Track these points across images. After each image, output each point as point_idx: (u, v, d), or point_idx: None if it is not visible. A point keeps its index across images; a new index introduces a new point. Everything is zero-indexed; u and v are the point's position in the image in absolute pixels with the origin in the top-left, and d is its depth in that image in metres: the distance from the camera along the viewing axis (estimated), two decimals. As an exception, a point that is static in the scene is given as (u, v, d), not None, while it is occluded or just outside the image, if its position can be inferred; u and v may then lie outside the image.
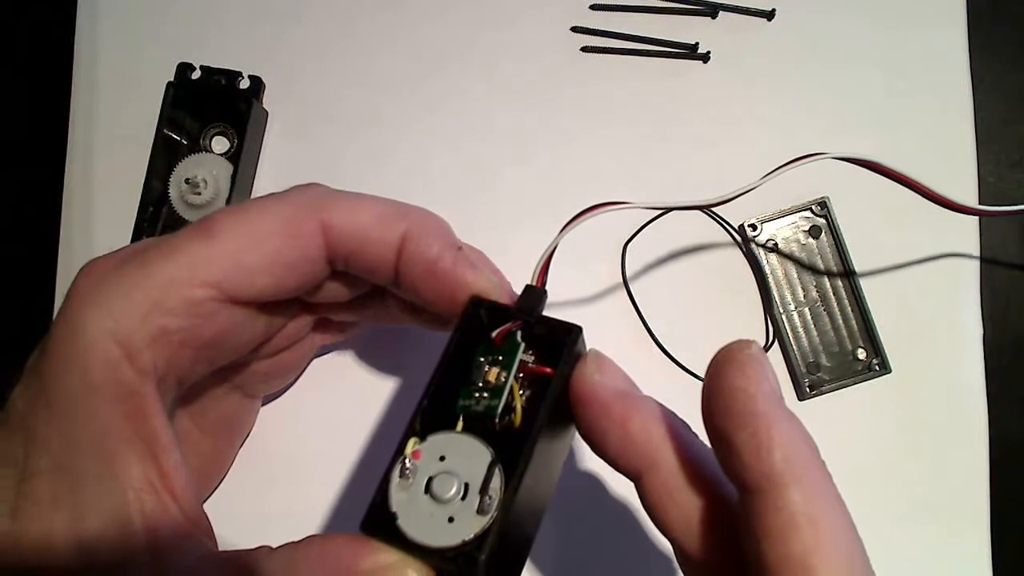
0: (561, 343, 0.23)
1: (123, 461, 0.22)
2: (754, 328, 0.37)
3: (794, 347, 0.36)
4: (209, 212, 0.32)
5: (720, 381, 0.20)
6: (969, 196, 0.38)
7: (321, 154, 0.39)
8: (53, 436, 0.22)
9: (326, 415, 0.36)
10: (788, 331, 0.36)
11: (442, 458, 0.22)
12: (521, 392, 0.23)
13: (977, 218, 0.37)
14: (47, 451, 0.22)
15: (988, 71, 0.39)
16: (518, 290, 0.25)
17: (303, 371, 0.35)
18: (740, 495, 0.20)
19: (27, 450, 0.22)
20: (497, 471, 0.21)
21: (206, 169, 0.36)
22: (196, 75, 0.37)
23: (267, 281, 0.25)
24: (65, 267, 0.38)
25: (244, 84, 0.37)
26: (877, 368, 0.36)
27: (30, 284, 0.38)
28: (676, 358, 0.36)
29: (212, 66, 0.37)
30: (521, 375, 0.23)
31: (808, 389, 0.36)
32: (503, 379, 0.23)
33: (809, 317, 0.37)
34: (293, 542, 0.22)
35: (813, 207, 0.37)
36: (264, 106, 0.39)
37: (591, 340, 0.24)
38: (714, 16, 0.39)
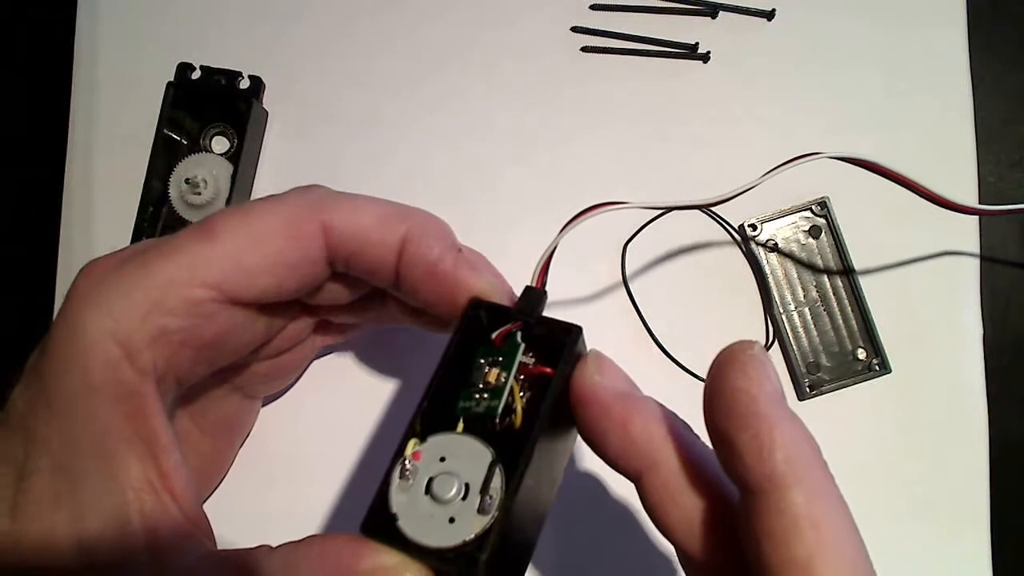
0: (561, 344, 0.23)
1: (123, 461, 0.22)
2: (754, 328, 0.37)
3: (794, 347, 0.36)
4: (209, 212, 0.32)
5: (722, 382, 0.20)
6: (969, 196, 0.38)
7: (321, 154, 0.39)
8: (53, 436, 0.22)
9: (326, 416, 0.36)
10: (788, 331, 0.36)
11: (442, 459, 0.22)
12: (521, 393, 0.23)
13: (977, 218, 0.37)
14: (47, 451, 0.22)
15: (988, 71, 0.39)
16: (518, 291, 0.25)
17: (303, 372, 0.35)
18: (742, 496, 0.20)
19: (27, 450, 0.22)
20: (498, 471, 0.21)
21: (206, 169, 0.36)
22: (196, 75, 0.37)
23: (268, 282, 0.25)
24: (65, 267, 0.38)
25: (244, 84, 0.37)
26: (877, 368, 0.36)
27: (30, 284, 0.38)
28: (676, 358, 0.36)
29: (212, 66, 0.37)
30: (521, 376, 0.23)
31: (808, 389, 0.36)
32: (503, 380, 0.23)
33: (809, 317, 0.37)
34: (293, 542, 0.22)
35: (813, 207, 0.37)
36: (264, 106, 0.39)
37: (591, 340, 0.24)
38: (714, 16, 0.39)
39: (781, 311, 0.37)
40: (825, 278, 0.37)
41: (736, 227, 0.38)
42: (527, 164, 0.38)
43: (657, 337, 0.37)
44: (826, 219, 0.37)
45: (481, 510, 0.21)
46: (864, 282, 0.37)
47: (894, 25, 0.39)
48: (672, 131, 0.39)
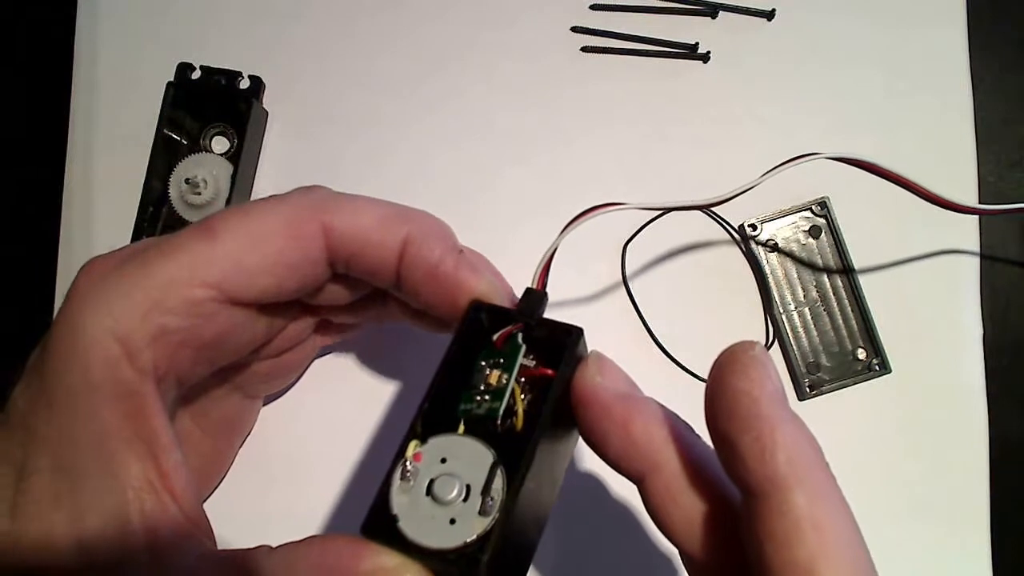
0: (562, 345, 0.23)
1: (123, 460, 0.22)
2: (754, 328, 0.37)
3: (794, 347, 0.36)
4: (209, 212, 0.32)
5: (723, 383, 0.20)
6: (969, 196, 0.38)
7: (321, 154, 0.39)
8: (53, 435, 0.22)
9: (327, 416, 0.36)
10: (788, 331, 0.36)
11: (443, 460, 0.22)
12: (522, 395, 0.23)
13: (977, 218, 0.38)
14: (47, 450, 0.22)
15: (988, 71, 0.39)
16: (518, 292, 0.25)
17: (304, 372, 0.35)
18: (743, 498, 0.20)
19: (27, 449, 0.22)
20: (499, 472, 0.21)
21: (206, 169, 0.36)
22: (196, 75, 0.37)
23: (268, 282, 0.25)
24: (65, 267, 0.38)
25: (244, 84, 0.37)
26: (877, 368, 0.36)
27: (30, 284, 0.38)
28: (676, 358, 0.36)
29: (212, 66, 0.37)
30: (522, 378, 0.23)
31: (808, 389, 0.36)
32: (504, 381, 0.23)
33: (809, 317, 0.37)
34: (293, 542, 0.22)
35: (813, 207, 0.37)
36: (264, 106, 0.39)
37: (591, 340, 0.24)
38: (714, 16, 0.39)
39: (781, 311, 0.37)
40: (825, 278, 0.37)
41: (736, 227, 0.38)
42: (527, 164, 0.38)
43: (657, 337, 0.37)
44: (826, 219, 0.37)
45: (482, 512, 0.21)
46: (864, 282, 0.37)
47: (894, 25, 0.39)
48: (672, 131, 0.39)
